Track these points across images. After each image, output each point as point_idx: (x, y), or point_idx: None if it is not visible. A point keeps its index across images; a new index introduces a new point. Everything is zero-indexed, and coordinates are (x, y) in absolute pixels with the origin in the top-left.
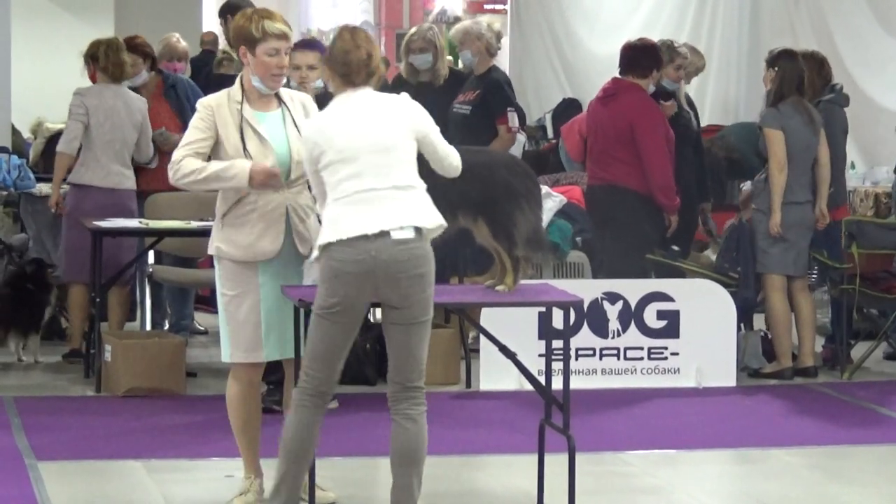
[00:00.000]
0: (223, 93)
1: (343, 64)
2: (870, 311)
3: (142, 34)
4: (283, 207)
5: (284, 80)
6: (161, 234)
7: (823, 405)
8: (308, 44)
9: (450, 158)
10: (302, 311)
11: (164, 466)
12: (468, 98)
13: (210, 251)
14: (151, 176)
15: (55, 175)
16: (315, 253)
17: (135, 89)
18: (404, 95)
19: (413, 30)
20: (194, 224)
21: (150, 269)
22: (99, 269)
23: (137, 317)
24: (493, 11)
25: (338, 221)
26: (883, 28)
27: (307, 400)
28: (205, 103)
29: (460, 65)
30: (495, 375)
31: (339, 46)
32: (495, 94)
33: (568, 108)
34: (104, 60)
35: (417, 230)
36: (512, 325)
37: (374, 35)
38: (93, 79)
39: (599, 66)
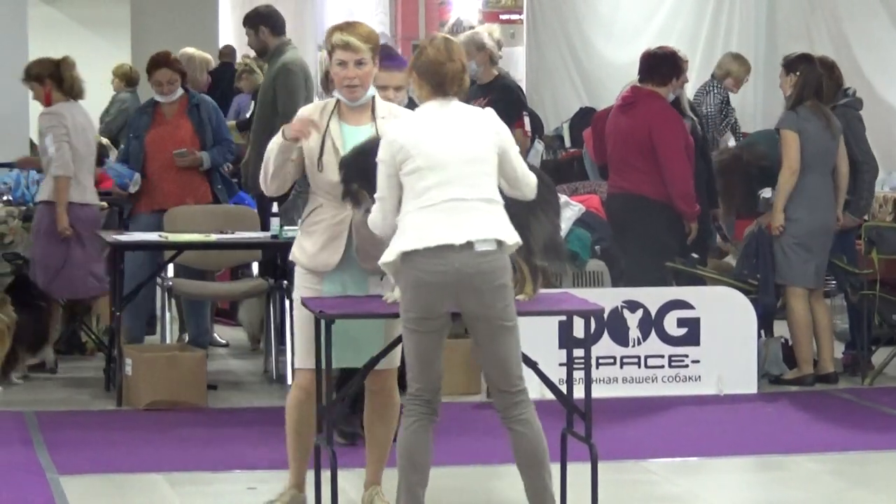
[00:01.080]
0: (321, 102)
1: (436, 74)
2: (890, 316)
3: (158, 48)
4: (347, 221)
5: (371, 92)
6: (180, 247)
7: (845, 411)
8: (391, 60)
9: (527, 178)
10: (323, 322)
11: (186, 479)
12: (478, 105)
13: (290, 257)
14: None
15: (60, 199)
16: (391, 257)
17: (154, 105)
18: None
19: None
20: (214, 237)
21: (170, 283)
22: (119, 284)
23: (157, 330)
24: (509, 21)
25: (423, 228)
26: None
27: (413, 409)
28: (300, 114)
29: None
30: None
31: (434, 57)
32: (510, 99)
33: (585, 116)
34: (70, 80)
35: (499, 243)
36: (532, 334)
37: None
38: (47, 98)
39: (616, 74)
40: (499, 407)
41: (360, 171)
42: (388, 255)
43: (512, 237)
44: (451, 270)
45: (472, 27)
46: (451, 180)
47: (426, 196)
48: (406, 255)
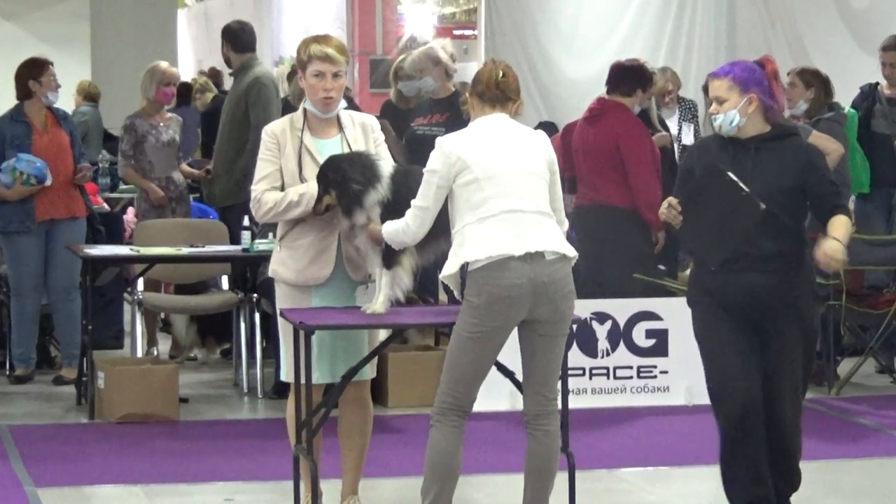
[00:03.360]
0: (286, 119)
1: (492, 89)
2: (856, 326)
3: (118, 65)
4: (335, 234)
5: (343, 105)
6: (153, 260)
7: (814, 421)
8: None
9: (562, 215)
10: (302, 333)
11: (164, 491)
12: (436, 120)
13: (269, 273)
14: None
15: None
16: (454, 269)
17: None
18: (541, 132)
19: (403, 57)
20: (185, 250)
21: (140, 296)
22: (89, 295)
23: (126, 344)
24: (462, 37)
25: (489, 240)
26: (860, 47)
27: (452, 419)
28: (269, 131)
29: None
30: (487, 396)
31: (490, 73)
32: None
33: (544, 131)
34: None
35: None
36: (507, 344)
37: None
38: None
39: (575, 88)
40: (530, 412)
41: (334, 181)
42: (451, 268)
43: (571, 250)
44: (527, 282)
45: (426, 42)
46: (509, 192)
47: (484, 207)
48: (474, 271)
